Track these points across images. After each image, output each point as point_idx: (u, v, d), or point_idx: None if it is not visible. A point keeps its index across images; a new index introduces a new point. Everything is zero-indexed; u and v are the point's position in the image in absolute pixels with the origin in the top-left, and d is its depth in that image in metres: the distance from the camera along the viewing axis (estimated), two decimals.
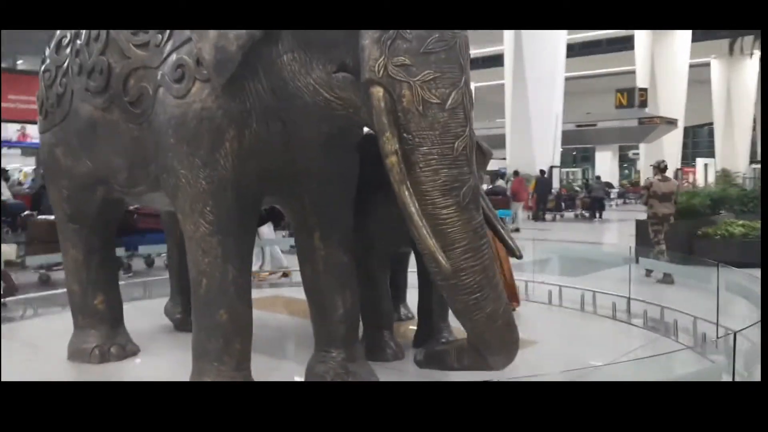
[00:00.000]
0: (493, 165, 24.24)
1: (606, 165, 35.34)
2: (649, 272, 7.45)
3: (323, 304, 3.64)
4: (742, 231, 8.78)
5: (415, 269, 4.44)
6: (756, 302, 4.12)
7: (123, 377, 3.93)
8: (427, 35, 2.61)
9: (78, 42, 3.76)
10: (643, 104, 27.36)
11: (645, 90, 27.84)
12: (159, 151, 3.32)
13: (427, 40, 2.61)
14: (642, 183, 21.89)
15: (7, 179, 11.41)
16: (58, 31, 4.09)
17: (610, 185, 26.44)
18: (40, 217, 7.86)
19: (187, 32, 3.08)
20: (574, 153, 40.59)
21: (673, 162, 29.42)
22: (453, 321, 3.79)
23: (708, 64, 33.66)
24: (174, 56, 3.20)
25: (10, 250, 6.40)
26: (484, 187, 15.87)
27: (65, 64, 3.86)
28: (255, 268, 6.73)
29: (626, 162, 41.01)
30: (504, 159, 22.79)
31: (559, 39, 21.00)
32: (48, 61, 4.07)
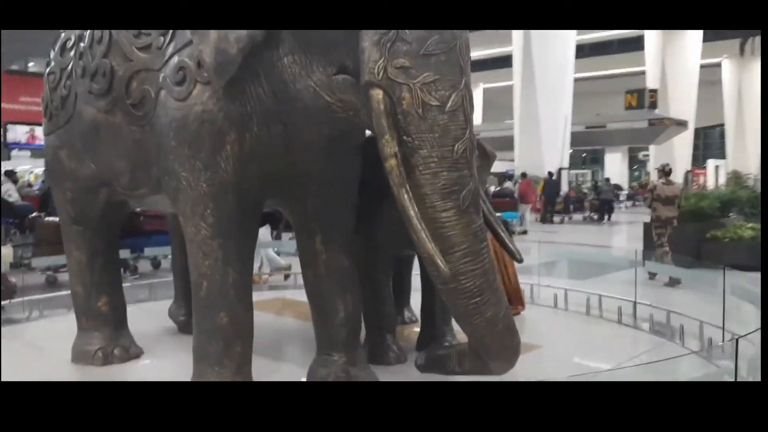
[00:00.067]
0: (501, 167, 24.22)
1: (615, 167, 35.12)
2: (653, 275, 7.41)
3: (324, 308, 3.64)
4: (751, 234, 8.68)
5: (419, 272, 4.43)
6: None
7: (125, 379, 3.93)
8: (427, 37, 2.59)
9: (81, 45, 3.78)
10: (653, 105, 27.18)
11: (655, 91, 27.67)
12: (160, 154, 3.33)
13: (427, 42, 2.60)
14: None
15: (15, 181, 11.50)
16: (63, 34, 4.11)
17: (619, 187, 26.27)
18: (47, 218, 7.91)
19: (188, 35, 3.08)
20: (584, 155, 40.41)
21: (684, 164, 29.23)
22: (456, 324, 3.77)
23: (719, 65, 33.43)
24: (175, 59, 3.21)
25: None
26: (492, 188, 15.84)
27: (69, 67, 3.89)
28: (254, 270, 6.74)
29: (636, 164, 40.77)
30: (512, 161, 22.73)
31: (568, 40, 20.92)
32: (52, 63, 4.10)
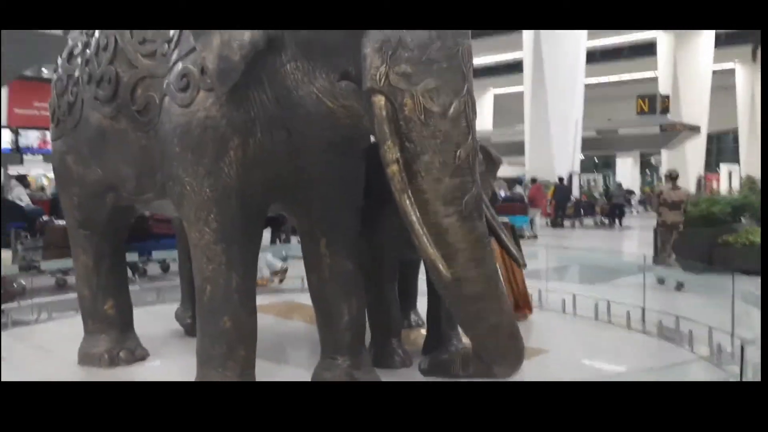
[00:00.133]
0: (512, 172, 24.19)
1: (627, 172, 34.95)
2: (662, 280, 7.37)
3: (329, 311, 3.64)
4: None
5: (425, 276, 4.42)
6: None
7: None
8: (429, 44, 2.60)
9: (88, 52, 3.82)
10: (665, 110, 27.05)
11: (667, 96, 27.53)
12: (165, 160, 3.35)
13: (429, 48, 2.60)
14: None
15: (26, 185, 11.62)
16: (70, 41, 4.15)
17: (631, 192, 26.13)
18: (57, 222, 7.98)
19: (192, 41, 3.10)
20: (596, 160, 40.23)
21: (696, 169, 29.04)
22: None
23: (732, 70, 33.18)
24: (179, 65, 3.23)
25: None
26: (502, 193, 15.80)
27: (76, 74, 3.92)
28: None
29: (648, 168, 40.53)
30: (523, 165, 22.68)
31: (579, 45, 20.90)
32: (60, 70, 4.14)
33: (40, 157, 15.15)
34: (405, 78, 2.60)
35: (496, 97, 37.01)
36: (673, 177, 8.29)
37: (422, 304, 4.92)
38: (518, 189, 17.22)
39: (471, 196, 2.70)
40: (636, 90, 30.13)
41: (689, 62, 28.96)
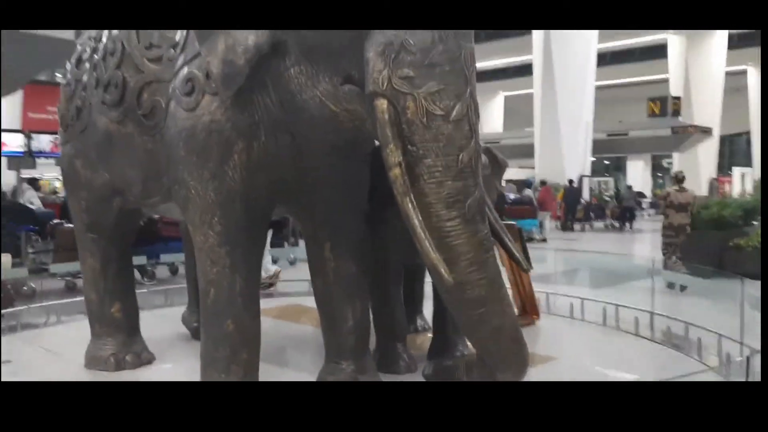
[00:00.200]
0: (522, 174, 24.10)
1: (638, 174, 34.73)
2: (671, 285, 7.32)
3: (333, 315, 3.64)
4: None
5: (431, 280, 4.40)
6: None
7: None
8: (431, 47, 2.60)
9: (96, 57, 3.85)
10: (677, 113, 26.84)
11: (678, 98, 27.33)
12: (170, 164, 3.37)
13: (431, 52, 2.60)
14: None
15: (37, 188, 11.72)
16: (79, 46, 4.19)
17: (642, 195, 25.95)
18: (67, 225, 8.03)
19: (198, 46, 3.12)
20: (607, 162, 40.02)
21: (708, 171, 28.79)
22: None
23: (745, 72, 32.89)
24: (185, 70, 3.25)
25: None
26: (511, 196, 15.76)
27: (84, 78, 3.95)
28: None
29: (660, 171, 40.25)
30: (533, 168, 22.60)
31: (589, 47, 20.80)
32: (69, 75, 4.18)
33: (53, 160, 15.29)
34: (408, 81, 2.60)
35: (507, 100, 36.94)
36: (679, 179, 8.32)
37: (428, 308, 4.91)
38: (527, 192, 17.15)
39: (474, 199, 2.69)
40: (647, 92, 29.93)
41: (701, 64, 28.74)
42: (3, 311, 5.41)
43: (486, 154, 4.34)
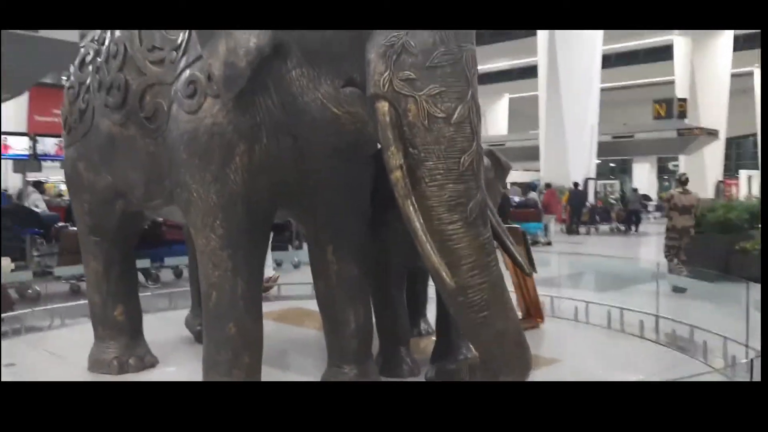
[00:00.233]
0: (527, 177, 24.04)
1: (644, 177, 34.59)
2: (676, 288, 7.29)
3: (336, 319, 3.64)
4: None
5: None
6: None
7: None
8: (433, 49, 2.60)
9: (98, 59, 3.86)
10: (682, 115, 26.70)
11: (684, 100, 27.18)
12: (172, 166, 3.37)
13: (433, 54, 2.60)
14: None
15: (42, 191, 11.77)
16: (82, 49, 4.20)
17: (648, 198, 25.85)
18: (72, 228, 8.05)
19: (199, 48, 3.12)
20: (612, 165, 39.90)
21: (715, 174, 28.64)
22: None
23: (751, 73, 32.74)
24: (187, 72, 3.25)
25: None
26: (516, 199, 15.71)
27: (87, 81, 3.96)
28: None
29: (666, 174, 40.09)
30: (539, 171, 22.54)
31: (594, 49, 20.73)
32: (72, 78, 4.19)
33: (58, 163, 15.36)
34: (409, 83, 2.60)
35: (511, 102, 36.86)
36: (682, 181, 8.33)
37: (432, 311, 4.89)
38: (532, 195, 17.11)
39: (475, 202, 2.67)
40: (652, 94, 29.80)
41: (707, 65, 28.60)
42: (4, 315, 5.42)
43: (489, 157, 4.32)
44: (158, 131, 3.46)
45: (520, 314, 5.74)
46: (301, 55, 2.85)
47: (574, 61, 20.26)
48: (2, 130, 13.49)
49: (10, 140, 13.00)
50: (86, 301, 4.55)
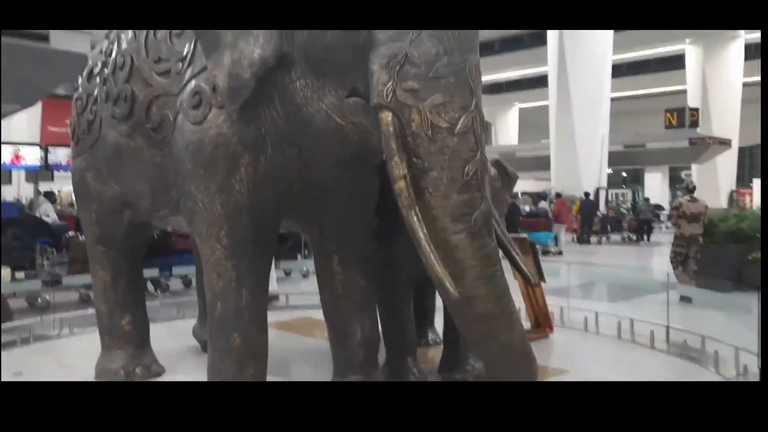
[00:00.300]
0: (538, 186, 23.95)
1: (656, 186, 34.40)
2: (684, 298, 7.22)
3: (342, 329, 3.63)
4: None
5: None
6: None
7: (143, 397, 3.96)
8: (436, 60, 2.60)
9: (106, 71, 3.89)
10: (694, 124, 26.54)
11: (696, 110, 27.02)
12: (178, 177, 3.39)
13: (436, 64, 2.60)
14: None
15: (53, 201, 11.87)
16: (90, 60, 4.24)
17: (660, 207, 25.67)
18: (82, 237, 8.10)
19: (205, 60, 3.14)
20: (624, 174, 39.71)
21: (728, 183, 28.41)
22: None
23: None
24: (192, 83, 3.27)
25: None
26: (526, 208, 15.66)
27: (95, 92, 4.00)
28: None
29: (678, 183, 39.81)
30: (550, 180, 22.46)
31: (604, 58, 20.70)
32: (80, 89, 4.23)
33: (69, 173, 15.56)
34: (412, 94, 2.59)
35: (522, 112, 36.83)
36: (690, 189, 8.32)
37: (439, 322, 4.87)
38: (543, 204, 17.04)
39: (480, 212, 2.66)
40: (664, 103, 29.68)
41: (719, 74, 28.42)
42: (9, 325, 5.45)
43: (495, 167, 4.31)
44: (164, 142, 3.47)
45: (528, 324, 5.70)
46: (305, 66, 2.86)
47: (584, 70, 20.23)
48: (16, 140, 13.66)
49: (23, 151, 13.16)
50: (93, 310, 4.58)
